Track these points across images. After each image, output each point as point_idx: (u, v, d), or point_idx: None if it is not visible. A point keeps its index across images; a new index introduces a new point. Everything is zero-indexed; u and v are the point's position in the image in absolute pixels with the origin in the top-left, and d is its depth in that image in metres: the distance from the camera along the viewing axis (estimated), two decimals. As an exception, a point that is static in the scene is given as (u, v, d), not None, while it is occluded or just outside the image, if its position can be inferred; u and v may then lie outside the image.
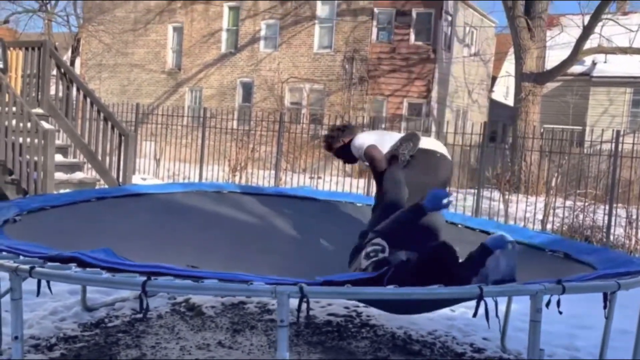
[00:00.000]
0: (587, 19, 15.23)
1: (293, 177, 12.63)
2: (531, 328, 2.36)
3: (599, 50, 16.89)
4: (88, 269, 2.21)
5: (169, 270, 2.18)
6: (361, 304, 5.37)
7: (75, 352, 3.83)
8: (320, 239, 3.91)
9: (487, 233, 4.64)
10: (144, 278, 2.17)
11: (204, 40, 21.79)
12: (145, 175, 13.51)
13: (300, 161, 13.56)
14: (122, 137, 8.44)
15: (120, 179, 8.34)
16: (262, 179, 12.11)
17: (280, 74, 20.53)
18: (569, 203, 9.34)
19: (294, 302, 2.25)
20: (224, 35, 21.68)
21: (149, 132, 14.36)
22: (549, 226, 9.22)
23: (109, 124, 8.52)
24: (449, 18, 19.79)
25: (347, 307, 5.26)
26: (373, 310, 5.25)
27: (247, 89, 21.38)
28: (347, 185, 11.61)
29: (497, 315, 2.40)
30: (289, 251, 3.77)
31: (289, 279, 2.33)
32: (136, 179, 11.24)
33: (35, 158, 7.57)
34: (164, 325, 4.50)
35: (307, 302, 2.11)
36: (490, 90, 23.89)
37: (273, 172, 12.31)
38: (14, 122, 7.76)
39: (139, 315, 4.64)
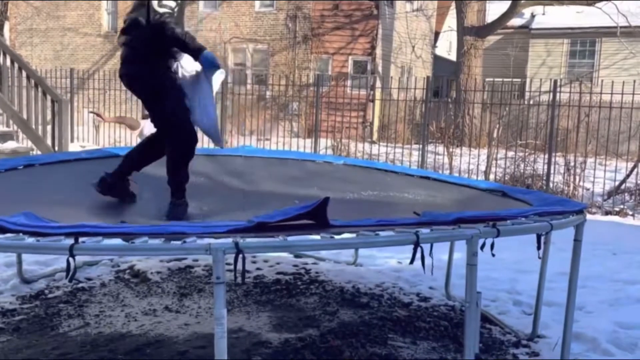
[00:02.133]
0: (525, -30, 15.36)
1: (239, 139, 12.45)
2: (468, 272, 2.39)
3: (538, 2, 17.12)
4: (9, 235, 2.09)
5: (95, 229, 2.08)
6: (309, 262, 5.39)
7: (14, 325, 3.70)
8: (257, 194, 3.86)
9: (427, 178, 4.69)
10: (70, 241, 2.07)
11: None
12: (85, 143, 13.06)
13: (247, 123, 13.36)
14: (55, 104, 8.07)
15: (56, 147, 8.02)
16: (207, 141, 11.89)
17: (222, 34, 20.01)
18: (510, 154, 9.55)
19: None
20: (161, -4, 20.88)
21: (87, 98, 13.83)
22: (491, 177, 9.43)
23: (40, 90, 8.13)
24: (391, -27, 19.63)
25: (295, 265, 5.27)
26: (322, 266, 5.28)
27: (189, 51, 20.79)
28: (295, 146, 11.54)
29: (431, 255, 2.42)
30: (224, 206, 3.70)
31: (221, 223, 2.27)
32: (75, 147, 10.85)
33: (-38, 128, 7.19)
34: (108, 293, 4.40)
35: (243, 257, 2.06)
36: (434, 46, 23.99)
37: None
38: None
39: (82, 285, 4.52)
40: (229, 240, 2.09)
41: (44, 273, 4.71)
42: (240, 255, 2.04)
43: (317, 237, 2.20)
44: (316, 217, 2.27)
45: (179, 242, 2.09)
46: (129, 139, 12.48)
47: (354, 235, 2.24)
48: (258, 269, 5.09)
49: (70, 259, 2.04)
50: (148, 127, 8.39)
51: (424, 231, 2.31)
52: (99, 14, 21.64)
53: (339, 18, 19.04)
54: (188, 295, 4.39)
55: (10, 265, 4.68)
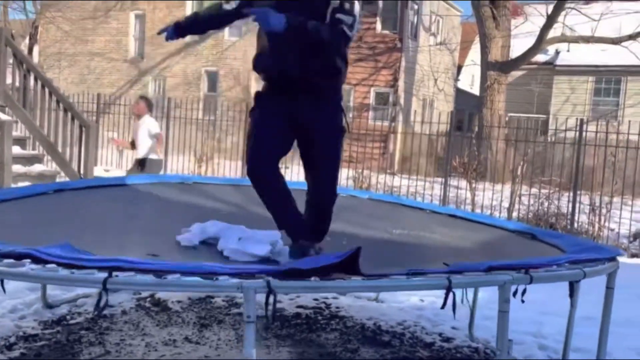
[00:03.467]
0: (550, 8, 15.42)
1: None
2: (499, 319, 2.34)
3: (562, 39, 17.14)
4: (46, 266, 2.10)
5: (129, 264, 2.08)
6: (330, 296, 5.34)
7: (35, 351, 3.70)
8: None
9: (454, 217, 4.64)
10: (104, 275, 2.08)
11: (168, 28, 21.36)
12: (108, 167, 13.22)
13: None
14: (83, 128, 8.20)
15: (82, 171, 8.12)
16: (229, 169, 11.98)
17: (246, 63, 20.29)
18: (534, 191, 9.46)
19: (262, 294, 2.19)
20: (188, 23, 21.28)
21: (112, 122, 14.04)
22: (514, 214, 9.33)
23: (69, 114, 8.27)
24: (415, 7, 19.82)
25: (316, 299, 5.22)
26: (342, 301, 5.22)
27: (212, 79, 21.08)
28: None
29: (463, 302, 2.38)
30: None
31: (254, 267, 2.26)
32: (99, 171, 10.99)
33: (-8, 150, 7.32)
34: (129, 321, 4.39)
35: (275, 297, 2.04)
36: (456, 79, 24.07)
37: (240, 162, 12.18)
38: (-32, 112, 7.48)
39: (104, 312, 4.52)
40: (261, 280, 2.08)
41: (66, 298, 4.72)
42: (272, 295, 2.03)
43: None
44: (347, 268, 2.26)
45: (210, 280, 2.09)
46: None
47: (386, 278, 2.21)
48: (278, 301, 5.03)
49: (103, 293, 2.05)
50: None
51: (457, 276, 2.28)
52: (127, 40, 22.11)
53: (363, 50, 19.22)
54: (208, 327, 4.36)
55: (33, 289, 4.70)
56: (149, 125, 8.22)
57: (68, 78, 22.41)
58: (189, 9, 21.32)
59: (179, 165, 12.42)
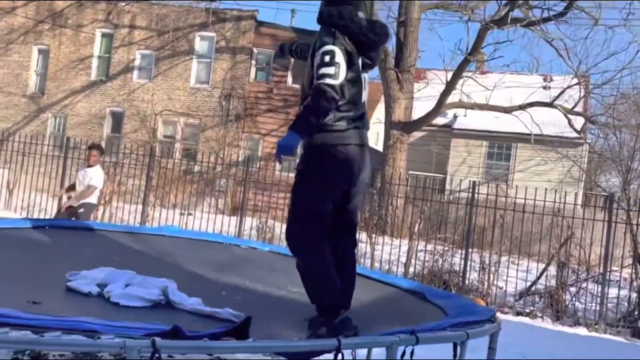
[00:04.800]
0: (450, 75, 16.45)
1: (162, 212, 12.19)
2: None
3: (460, 104, 18.26)
4: None
5: (3, 318, 1.95)
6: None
7: None
8: (182, 276, 3.76)
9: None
10: (-28, 332, 1.93)
11: (73, 65, 20.70)
12: (-5, 206, 12.40)
13: (171, 196, 13.14)
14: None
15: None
16: (129, 213, 11.57)
17: (154, 105, 19.97)
18: (430, 247, 9.82)
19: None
20: (94, 62, 20.75)
21: (3, 159, 13.25)
22: (411, 269, 9.62)
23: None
24: (325, 64, 20.44)
25: (210, 355, 5.08)
26: (238, 356, 5.11)
27: (117, 119, 20.53)
28: (219, 223, 11.40)
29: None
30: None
31: (139, 325, 2.17)
32: (-17, 210, 10.28)
33: None
34: (2, 377, 4.06)
35: (160, 357, 1.97)
36: (359, 136, 24.82)
37: (141, 206, 11.82)
38: None
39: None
40: (146, 340, 2.01)
41: None
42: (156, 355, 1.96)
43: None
44: (238, 336, 2.24)
45: (92, 340, 1.99)
46: (44, 204, 11.96)
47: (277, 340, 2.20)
48: (170, 356, 4.86)
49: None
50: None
51: (346, 339, 2.31)
52: (27, 74, 21.18)
53: (273, 101, 19.51)
54: (91, 383, 4.12)
55: None
56: (97, 178, 8.41)
57: (-42, 110, 21.08)
58: (97, 47, 20.85)
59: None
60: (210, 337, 2.13)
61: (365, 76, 3.00)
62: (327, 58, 2.74)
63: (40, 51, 21.18)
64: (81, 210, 8.26)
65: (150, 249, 4.61)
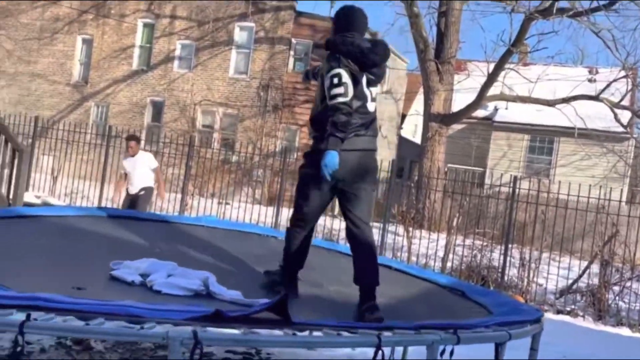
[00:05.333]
0: (492, 66, 16.12)
1: (200, 201, 12.33)
2: (428, 378, 2.35)
3: (501, 97, 17.90)
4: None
5: (48, 303, 1.98)
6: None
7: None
8: (221, 268, 3.78)
9: (389, 267, 4.67)
10: (21, 317, 1.97)
11: (115, 55, 21.08)
12: (40, 193, 12.72)
13: (209, 185, 13.28)
14: (16, 153, 7.88)
15: (11, 196, 7.77)
16: (168, 202, 11.73)
17: (193, 95, 20.18)
18: (468, 242, 9.69)
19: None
20: (136, 52, 21.08)
21: (48, 146, 13.59)
22: (449, 264, 9.51)
23: (2, 137, 7.94)
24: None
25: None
26: (274, 347, 5.13)
27: (158, 108, 20.83)
28: (256, 213, 11.47)
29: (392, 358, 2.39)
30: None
31: (181, 308, 2.19)
32: (29, 197, 10.57)
33: None
34: (47, 360, 4.17)
35: (201, 348, 1.99)
36: (400, 127, 24.66)
37: (180, 195, 11.97)
38: None
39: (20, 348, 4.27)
40: (188, 329, 2.02)
41: (-20, 333, 4.44)
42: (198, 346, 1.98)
43: (279, 332, 2.15)
44: (276, 314, 2.23)
45: (135, 328, 2.01)
46: (86, 191, 12.22)
47: (317, 332, 2.19)
48: (207, 345, 4.91)
49: (19, 337, 1.94)
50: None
51: (386, 334, 2.28)
52: (71, 64, 21.64)
53: (311, 92, 19.46)
54: (132, 369, 4.20)
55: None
56: (148, 161, 8.80)
57: (5, 97, 21.66)
58: (139, 37, 21.16)
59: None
60: (250, 315, 2.12)
61: (373, 90, 3.50)
62: (335, 80, 3.26)
63: (84, 41, 21.60)
64: (142, 192, 8.63)
65: (190, 239, 4.66)
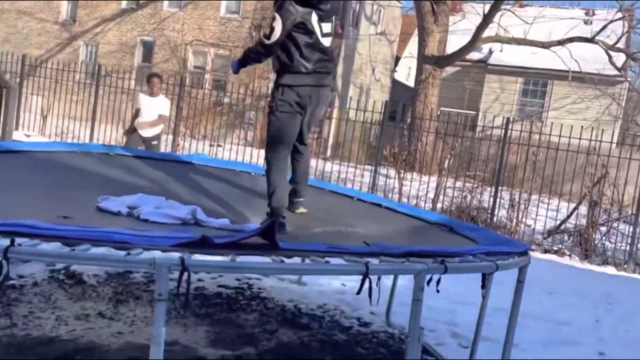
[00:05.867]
0: (487, 7, 15.81)
1: (192, 143, 12.27)
2: (413, 306, 2.39)
3: (496, 39, 17.63)
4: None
5: (32, 229, 1.98)
6: (253, 276, 5.32)
7: None
8: (210, 203, 3.79)
9: (379, 206, 4.71)
10: (5, 243, 1.97)
11: (103, -8, 20.51)
12: (30, 132, 12.60)
13: (201, 127, 13.19)
14: (3, 90, 7.76)
15: (0, 134, 7.69)
16: (159, 142, 11.65)
17: (184, 35, 19.76)
18: (459, 184, 9.74)
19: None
20: (125, -11, 20.52)
21: (37, 86, 13.37)
22: (439, 205, 9.58)
23: (-11, 73, 7.80)
24: (358, -6, 19.88)
25: (238, 279, 5.19)
26: (265, 283, 5.22)
27: (148, 48, 20.42)
28: (248, 155, 11.45)
29: (377, 286, 2.42)
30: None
31: (169, 234, 2.20)
32: (19, 136, 10.47)
33: None
34: (40, 293, 4.22)
35: (189, 275, 2.00)
36: (393, 70, 24.37)
37: (171, 136, 11.88)
38: None
39: (13, 282, 4.32)
40: (176, 255, 2.03)
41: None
42: (186, 272, 1.98)
43: (267, 259, 2.16)
44: (265, 239, 2.24)
45: (122, 254, 2.01)
46: (76, 132, 12.12)
47: (303, 260, 2.21)
48: (200, 280, 4.98)
49: (4, 263, 1.94)
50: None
51: (374, 262, 2.30)
52: (59, 2, 21.04)
53: (304, 33, 19.09)
54: (124, 302, 4.26)
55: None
56: (164, 106, 8.22)
57: (-9, 36, 21.18)
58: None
59: (106, 135, 11.99)
60: (238, 241, 2.13)
61: (324, 26, 3.72)
62: (273, 23, 3.60)
63: (71, -22, 20.97)
64: (155, 142, 8.19)
65: (180, 176, 4.65)
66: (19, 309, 3.87)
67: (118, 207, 3.06)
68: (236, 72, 4.03)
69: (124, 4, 20.45)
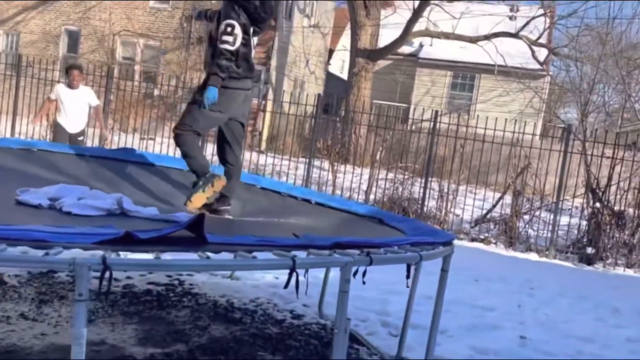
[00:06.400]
0: (417, 2, 16.13)
1: (121, 136, 11.93)
2: (340, 298, 2.43)
3: (426, 33, 18.03)
4: None
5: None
6: (184, 273, 5.25)
7: None
8: (136, 194, 3.71)
9: (309, 202, 4.74)
10: None
11: (24, -22, 19.58)
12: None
13: (130, 120, 12.84)
14: None
15: None
16: (86, 137, 11.27)
17: (112, 25, 19.15)
18: (391, 176, 9.94)
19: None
20: (47, -24, 19.67)
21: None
22: (372, 196, 9.74)
23: None
24: (291, -14, 19.82)
25: (169, 276, 5.11)
26: (197, 278, 5.16)
27: (74, 39, 19.67)
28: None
29: (305, 277, 2.45)
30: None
31: (90, 231, 2.14)
32: None
33: None
34: (-45, 296, 4.02)
35: (110, 274, 1.95)
36: (327, 63, 24.49)
37: (98, 130, 11.50)
38: None
39: None
40: (97, 254, 1.98)
41: None
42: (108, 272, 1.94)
43: (194, 255, 2.14)
44: (192, 232, 2.22)
45: (40, 253, 1.95)
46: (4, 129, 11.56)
47: (231, 256, 2.20)
48: (128, 277, 4.88)
49: None
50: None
51: (301, 256, 2.33)
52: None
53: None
54: (48, 303, 4.12)
55: None
56: (88, 96, 7.91)
57: None
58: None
59: (29, 129, 11.48)
60: (164, 236, 2.11)
61: (255, 39, 4.19)
62: (229, 29, 3.88)
63: (-13, -38, 19.89)
64: (80, 138, 7.92)
65: (106, 170, 4.53)
66: None
67: (38, 199, 2.95)
68: (214, 99, 3.95)
69: (46, -9, 19.60)
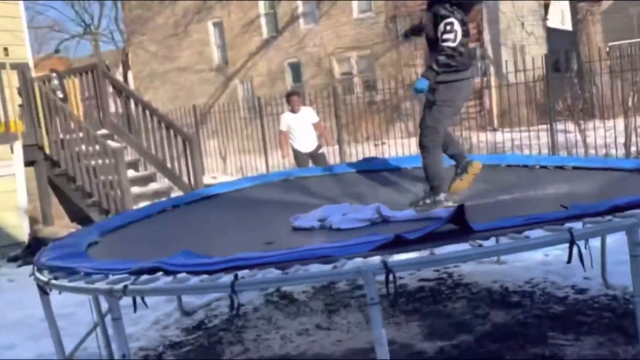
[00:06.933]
0: None
1: (357, 147, 12.54)
2: (632, 264, 2.22)
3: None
4: (178, 277, 2.26)
5: (247, 261, 2.20)
6: (450, 265, 5.28)
7: (183, 357, 3.97)
8: (390, 201, 3.86)
9: (563, 168, 4.43)
10: (230, 278, 2.20)
11: (245, 30, 21.84)
12: (215, 174, 13.79)
13: (362, 130, 13.44)
14: (186, 142, 8.62)
15: (192, 183, 8.53)
16: (328, 155, 12.10)
17: (325, 47, 20.33)
18: (651, 120, 8.81)
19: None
20: (263, 21, 21.67)
21: (210, 130, 14.61)
22: (633, 148, 8.75)
23: (171, 131, 8.73)
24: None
25: (437, 270, 5.19)
26: (464, 268, 5.15)
27: (296, 70, 21.33)
28: (413, 146, 11.40)
29: (586, 248, 2.28)
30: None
31: (361, 240, 2.29)
32: (207, 180, 11.49)
33: (110, 177, 7.87)
34: (261, 317, 4.59)
35: (394, 275, 2.07)
36: (545, 19, 22.75)
37: (337, 146, 12.26)
38: (83, 147, 8.08)
39: (237, 312, 4.76)
40: (377, 259, 2.11)
41: (201, 304, 5.01)
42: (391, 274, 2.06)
43: (465, 246, 2.16)
44: (455, 224, 2.24)
45: (329, 267, 2.15)
46: (253, 164, 13.00)
47: (502, 240, 2.17)
48: (400, 277, 5.06)
49: (233, 295, 2.17)
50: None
51: (577, 227, 2.19)
52: (209, 50, 22.85)
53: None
54: (336, 312, 4.47)
55: (170, 300, 5.03)
56: (310, 116, 8.64)
57: (163, 96, 23.54)
58: (262, 7, 21.68)
59: (279, 161, 12.69)
60: (430, 233, 2.16)
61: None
62: (448, 27, 4.02)
63: (214, 24, 22.64)
64: (320, 151, 8.67)
65: (356, 183, 4.80)
66: (247, 334, 4.25)
67: (310, 222, 3.28)
68: (422, 91, 4.11)
69: (265, 35, 21.61)
